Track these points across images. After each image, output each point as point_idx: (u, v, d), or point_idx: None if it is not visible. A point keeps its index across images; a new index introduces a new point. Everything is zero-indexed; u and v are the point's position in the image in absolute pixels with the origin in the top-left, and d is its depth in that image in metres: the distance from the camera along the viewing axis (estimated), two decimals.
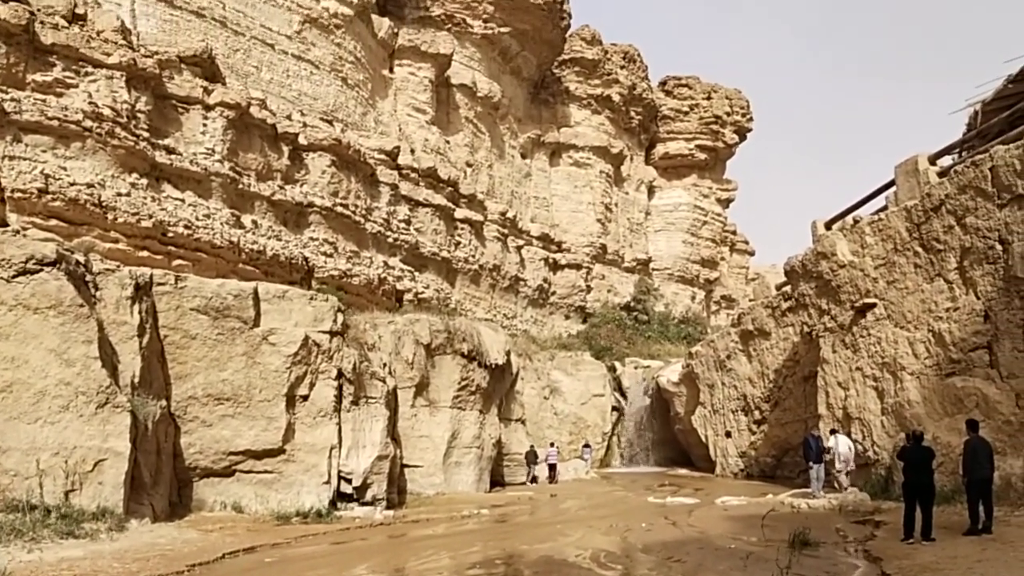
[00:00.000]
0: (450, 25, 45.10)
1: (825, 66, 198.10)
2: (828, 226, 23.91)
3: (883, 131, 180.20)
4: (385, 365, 23.19)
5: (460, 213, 41.50)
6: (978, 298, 17.05)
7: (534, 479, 30.16)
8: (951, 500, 15.20)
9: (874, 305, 20.34)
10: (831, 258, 21.99)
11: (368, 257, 34.04)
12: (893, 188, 21.01)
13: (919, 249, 18.86)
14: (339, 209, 32.35)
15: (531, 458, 30.52)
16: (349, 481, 19.65)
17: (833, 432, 20.86)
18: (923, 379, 18.46)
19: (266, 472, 18.45)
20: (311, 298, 20.36)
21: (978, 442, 13.01)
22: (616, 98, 54.61)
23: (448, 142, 44.32)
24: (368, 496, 20.01)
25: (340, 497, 19.35)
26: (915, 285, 18.99)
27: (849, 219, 22.92)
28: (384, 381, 21.93)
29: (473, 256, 42.20)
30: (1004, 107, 20.18)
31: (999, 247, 16.49)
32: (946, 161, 20.47)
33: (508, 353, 29.28)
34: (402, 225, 37.09)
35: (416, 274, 37.38)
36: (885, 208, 21.27)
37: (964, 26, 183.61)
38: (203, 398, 18.03)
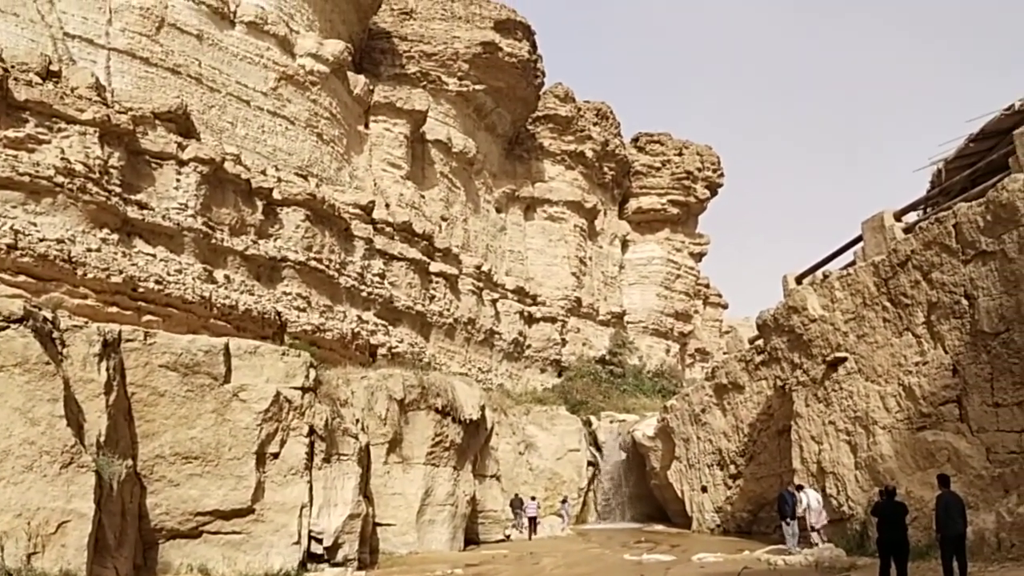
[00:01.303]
0: (425, 82, 45.79)
1: (792, 121, 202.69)
2: (799, 280, 24.19)
3: (851, 186, 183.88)
4: (358, 421, 22.90)
5: (435, 267, 41.57)
6: (946, 352, 17.25)
7: (523, 525, 30.33)
8: (926, 556, 15.14)
9: (845, 359, 20.49)
10: (802, 312, 22.20)
11: (342, 311, 33.91)
12: (861, 243, 21.36)
13: (887, 304, 19.11)
14: (313, 263, 32.30)
15: (517, 504, 30.68)
16: (320, 541, 19.24)
17: (800, 488, 20.85)
18: (895, 433, 18.55)
19: (234, 533, 18.01)
20: (283, 353, 20.16)
21: (950, 497, 13.03)
22: (589, 154, 55.41)
23: (423, 196, 44.61)
24: (339, 556, 19.59)
25: (310, 557, 18.92)
26: (884, 339, 19.19)
27: (819, 273, 23.21)
28: (356, 437, 21.64)
29: (448, 310, 42.16)
30: (966, 165, 20.68)
31: (965, 302, 16.75)
32: (911, 217, 20.86)
33: (483, 408, 29.03)
34: (376, 279, 37.06)
35: (390, 328, 37.24)
36: (854, 263, 21.58)
37: (928, 82, 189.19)
38: (170, 457, 17.65)
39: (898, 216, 20.31)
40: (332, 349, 30.90)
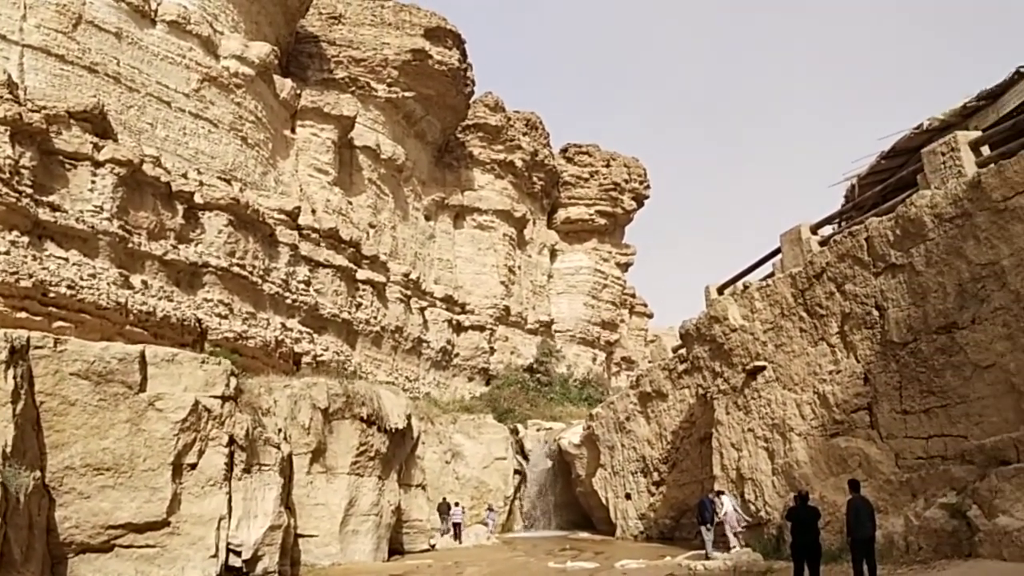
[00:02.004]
0: (354, 88, 45.39)
1: (715, 136, 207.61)
2: (720, 291, 24.74)
3: (772, 199, 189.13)
4: (280, 431, 22.51)
5: (362, 274, 41.12)
6: (858, 361, 17.85)
7: (448, 532, 30.40)
8: (838, 559, 15.61)
9: (764, 368, 21.02)
10: (723, 322, 22.70)
11: (265, 319, 33.25)
12: (780, 255, 21.98)
13: (804, 314, 19.69)
14: (235, 269, 31.61)
15: (444, 509, 30.88)
16: (238, 554, 18.83)
17: (719, 494, 21.36)
18: (810, 440, 19.10)
19: (148, 546, 17.51)
20: (203, 361, 19.72)
21: (860, 502, 13.48)
22: (519, 163, 55.70)
23: (351, 203, 44.12)
24: (259, 569, 19.21)
25: (228, 571, 18.52)
26: (801, 348, 19.76)
27: (740, 284, 23.77)
28: (279, 447, 21.28)
29: (375, 318, 41.75)
30: (878, 181, 21.50)
31: (876, 313, 17.38)
32: (827, 230, 21.54)
33: (409, 417, 28.90)
34: (301, 286, 36.47)
35: (315, 336, 36.67)
36: (773, 274, 22.18)
37: (842, 101, 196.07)
38: (81, 468, 17.07)
39: (814, 229, 20.97)
40: (255, 357, 30.27)
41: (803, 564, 13.57)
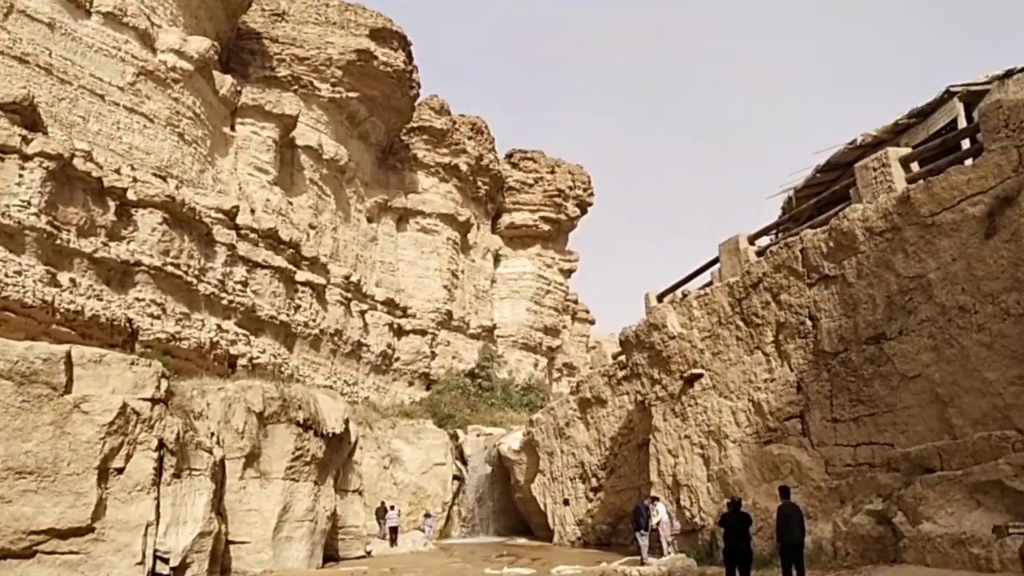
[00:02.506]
0: (296, 87, 44.79)
1: (659, 143, 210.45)
2: (660, 298, 25.00)
3: (712, 207, 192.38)
4: (213, 434, 21.95)
5: (301, 276, 40.54)
6: (792, 370, 18.19)
7: (386, 536, 30.42)
8: (769, 564, 15.84)
9: (701, 375, 21.29)
10: (662, 329, 22.93)
11: (200, 320, 32.51)
12: (718, 264, 22.30)
13: (740, 323, 20.00)
14: (169, 269, 30.85)
15: (382, 513, 30.97)
16: (166, 561, 18.28)
17: (654, 500, 21.59)
18: (744, 447, 19.40)
19: (71, 553, 16.88)
20: (132, 363, 19.12)
21: (790, 508, 13.71)
22: (464, 167, 55.61)
23: (291, 203, 43.49)
24: None
25: None
26: (737, 357, 20.06)
27: (679, 292, 24.06)
28: (211, 452, 20.75)
29: (314, 320, 41.19)
30: (813, 194, 22.00)
31: (809, 323, 17.73)
32: (764, 241, 21.94)
33: (347, 421, 28.45)
34: (238, 287, 35.77)
35: (252, 338, 36.00)
36: (711, 283, 22.49)
37: (785, 110, 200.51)
38: (2, 472, 16.39)
39: (752, 240, 21.32)
40: (188, 359, 29.57)
41: (735, 569, 13.76)
